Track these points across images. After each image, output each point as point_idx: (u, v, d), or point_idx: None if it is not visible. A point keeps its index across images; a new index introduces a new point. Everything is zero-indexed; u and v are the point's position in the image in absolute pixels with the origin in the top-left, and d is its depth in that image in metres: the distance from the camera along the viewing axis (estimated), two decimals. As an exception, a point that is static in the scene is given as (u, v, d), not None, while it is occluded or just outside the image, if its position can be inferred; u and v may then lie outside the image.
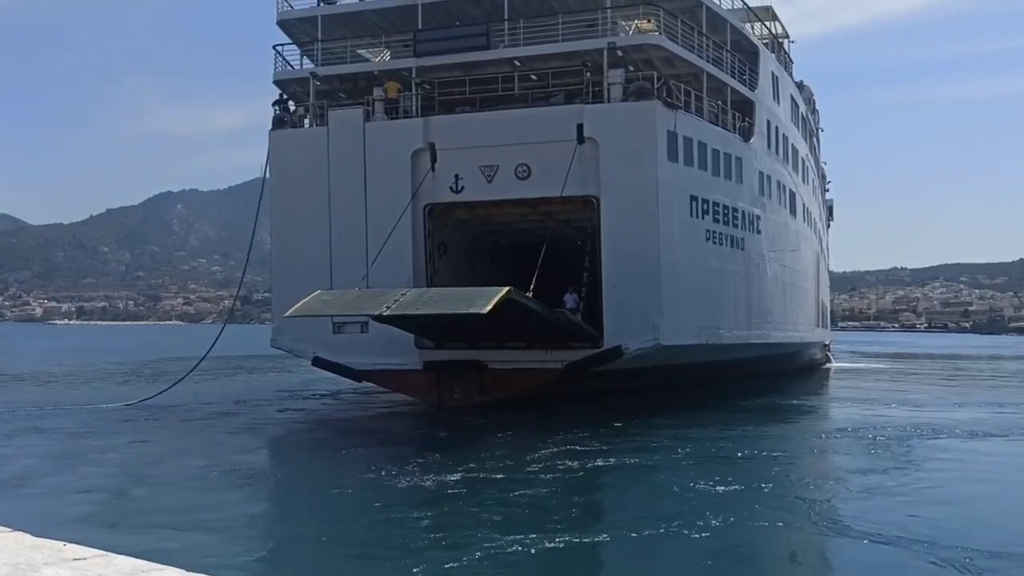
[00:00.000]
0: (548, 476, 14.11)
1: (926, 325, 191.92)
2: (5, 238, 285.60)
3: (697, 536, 10.44)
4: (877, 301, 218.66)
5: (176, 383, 27.33)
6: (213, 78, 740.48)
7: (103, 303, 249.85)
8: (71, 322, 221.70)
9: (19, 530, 5.71)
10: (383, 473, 14.02)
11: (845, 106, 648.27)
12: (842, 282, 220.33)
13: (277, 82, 27.63)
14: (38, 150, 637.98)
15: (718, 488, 13.21)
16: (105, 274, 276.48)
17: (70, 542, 5.27)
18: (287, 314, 20.61)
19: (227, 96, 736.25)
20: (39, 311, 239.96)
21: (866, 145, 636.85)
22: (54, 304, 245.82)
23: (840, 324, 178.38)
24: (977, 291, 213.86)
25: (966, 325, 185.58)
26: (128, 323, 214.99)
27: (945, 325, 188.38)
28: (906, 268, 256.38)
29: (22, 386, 33.67)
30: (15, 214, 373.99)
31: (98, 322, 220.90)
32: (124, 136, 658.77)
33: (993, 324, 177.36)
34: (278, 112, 27.06)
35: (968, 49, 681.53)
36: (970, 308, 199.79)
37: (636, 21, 26.40)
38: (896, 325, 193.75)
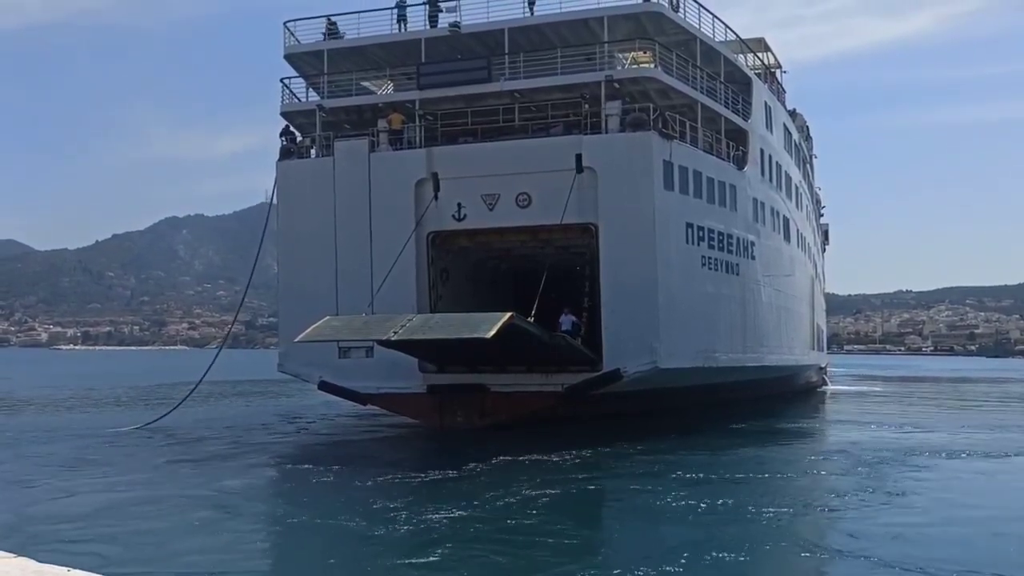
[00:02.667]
0: (543, 506, 13.93)
1: (932, 348, 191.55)
2: (11, 263, 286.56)
3: (699, 561, 10.56)
4: (882, 324, 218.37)
5: (177, 406, 27.77)
6: (218, 104, 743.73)
7: (108, 328, 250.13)
8: (76, 347, 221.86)
9: (23, 556, 5.88)
10: (373, 506, 13.70)
11: (844, 130, 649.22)
12: (847, 305, 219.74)
13: (284, 114, 28.21)
14: (44, 176, 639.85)
15: (717, 512, 13.35)
16: (110, 299, 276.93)
17: (74, 567, 5.50)
18: (298, 339, 21.00)
19: (232, 122, 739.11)
20: (44, 336, 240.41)
21: (867, 169, 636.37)
22: (59, 329, 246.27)
23: (846, 347, 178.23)
24: (983, 314, 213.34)
25: (972, 348, 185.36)
26: (133, 348, 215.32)
27: (951, 348, 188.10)
28: (911, 291, 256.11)
29: (39, 410, 34.05)
30: (21, 239, 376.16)
31: (103, 347, 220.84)
32: (130, 162, 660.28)
33: (999, 347, 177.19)
34: (285, 143, 27.68)
35: (966, 74, 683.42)
36: (976, 331, 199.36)
37: (632, 54, 27.09)
38: (902, 348, 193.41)
